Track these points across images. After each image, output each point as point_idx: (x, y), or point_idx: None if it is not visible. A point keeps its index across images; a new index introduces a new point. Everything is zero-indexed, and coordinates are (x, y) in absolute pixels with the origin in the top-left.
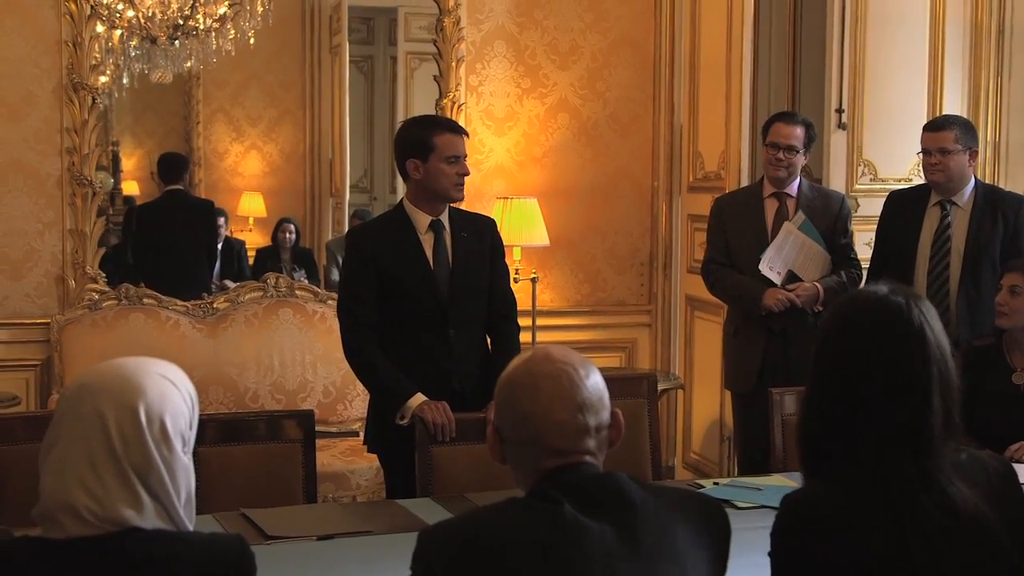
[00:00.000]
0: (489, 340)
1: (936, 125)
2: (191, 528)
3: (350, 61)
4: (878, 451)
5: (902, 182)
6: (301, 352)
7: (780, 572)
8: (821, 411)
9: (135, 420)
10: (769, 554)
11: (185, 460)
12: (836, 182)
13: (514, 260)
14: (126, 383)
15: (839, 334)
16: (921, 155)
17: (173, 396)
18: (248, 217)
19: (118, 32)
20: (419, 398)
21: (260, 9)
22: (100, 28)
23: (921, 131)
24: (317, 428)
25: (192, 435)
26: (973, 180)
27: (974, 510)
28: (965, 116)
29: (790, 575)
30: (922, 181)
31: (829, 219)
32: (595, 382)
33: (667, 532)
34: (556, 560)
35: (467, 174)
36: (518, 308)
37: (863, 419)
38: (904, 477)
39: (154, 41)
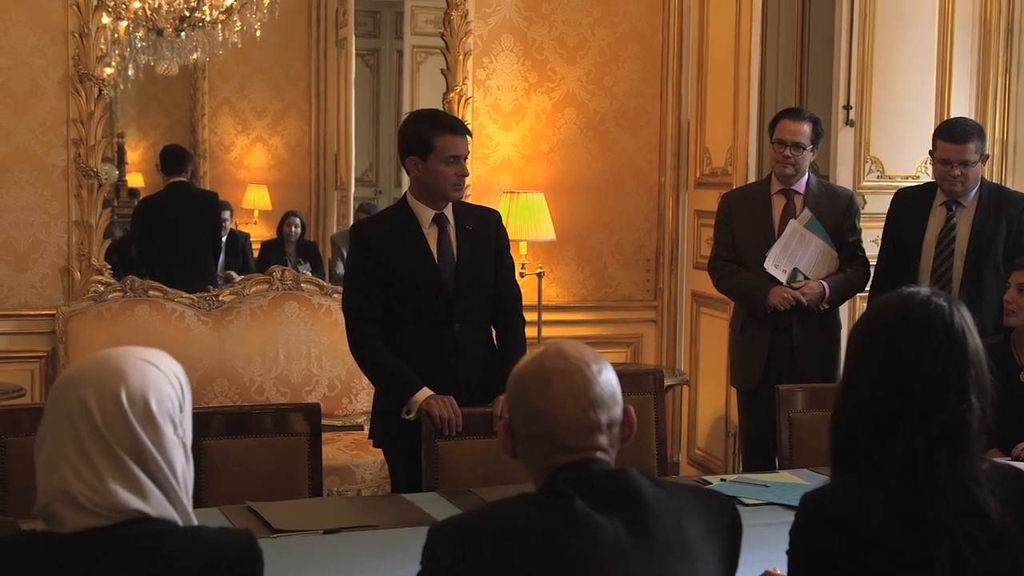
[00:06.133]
0: (494, 334)
1: (957, 136)
2: (190, 507)
3: (356, 54)
4: (913, 452)
5: (909, 179)
6: (306, 345)
7: (798, 569)
8: (857, 408)
9: (117, 403)
10: (787, 552)
11: (177, 441)
12: (843, 179)
13: (520, 255)
14: (107, 370)
15: (880, 332)
16: (938, 163)
17: (157, 379)
18: (253, 210)
19: (124, 23)
20: (425, 392)
21: (266, 2)
22: (106, 19)
23: (938, 138)
24: (322, 422)
25: (184, 418)
26: (980, 179)
27: (1001, 520)
28: (972, 114)
29: (808, 573)
30: (929, 179)
31: (836, 216)
32: (608, 378)
33: (679, 528)
34: (567, 556)
35: (466, 175)
36: (524, 302)
37: (900, 418)
38: (937, 482)
39: (160, 33)
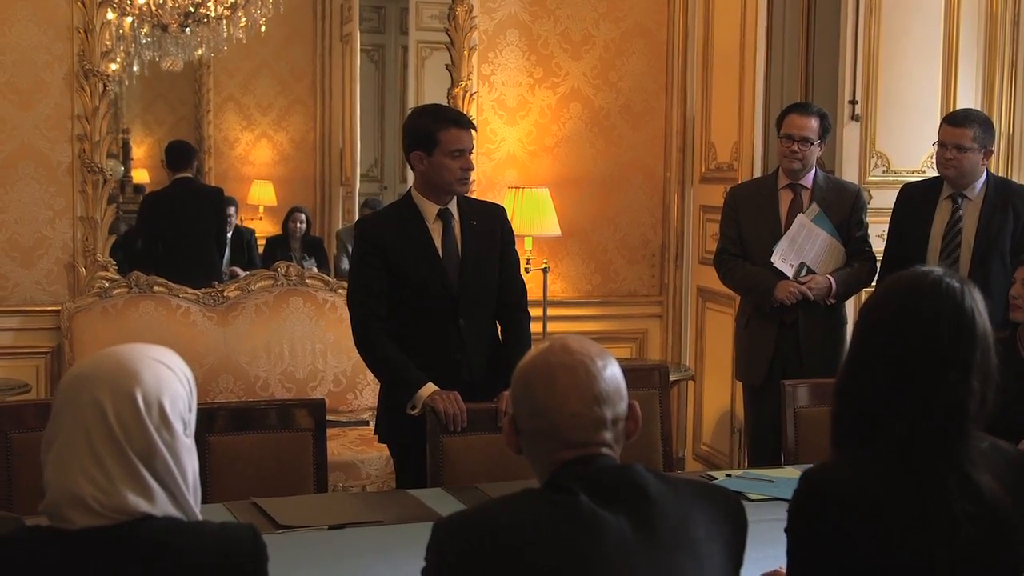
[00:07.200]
0: (500, 329)
1: (957, 120)
2: (198, 512)
3: (361, 50)
4: (910, 428)
5: (915, 174)
6: (311, 341)
7: (797, 548)
8: (861, 383)
9: (133, 406)
10: (786, 530)
11: (188, 443)
12: (849, 174)
13: (525, 250)
14: (121, 370)
15: (889, 310)
16: (936, 146)
17: (170, 380)
18: (258, 205)
19: (129, 19)
20: (430, 388)
21: None
22: (111, 15)
23: (940, 122)
24: (327, 417)
25: (192, 417)
26: (985, 173)
27: (996, 499)
28: (979, 107)
29: (807, 551)
30: (935, 173)
31: (844, 211)
32: (612, 374)
33: (684, 524)
34: (572, 552)
35: (471, 169)
36: (528, 298)
37: (901, 393)
38: (932, 459)
39: (165, 28)
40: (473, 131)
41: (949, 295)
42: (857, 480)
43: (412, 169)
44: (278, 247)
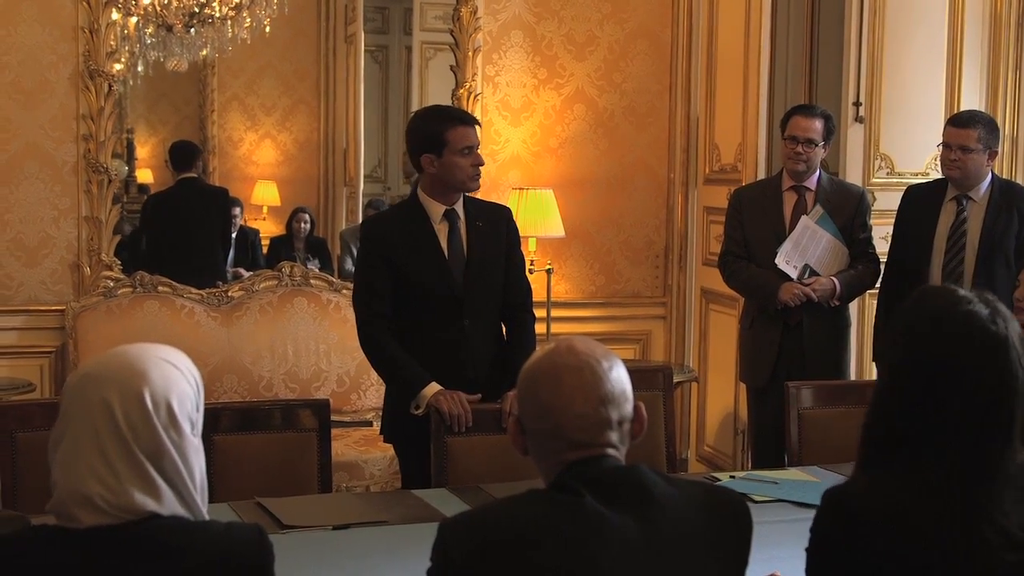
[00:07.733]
0: (504, 330)
1: (962, 121)
2: (205, 511)
3: (365, 50)
4: (943, 462)
5: (919, 176)
6: (315, 341)
7: (816, 568)
8: (899, 411)
9: (142, 406)
10: (807, 549)
11: (195, 442)
12: (853, 176)
13: (529, 251)
14: (129, 370)
15: (937, 346)
16: (941, 147)
17: (177, 379)
18: (262, 206)
19: (134, 19)
20: (434, 387)
21: None
22: (116, 15)
23: (945, 123)
24: (331, 417)
25: (199, 417)
26: (990, 175)
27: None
28: (983, 110)
29: (826, 572)
30: (939, 175)
31: (848, 213)
32: (618, 375)
33: (689, 525)
34: (577, 552)
35: (482, 164)
36: (533, 299)
37: (938, 431)
38: (966, 497)
39: (170, 29)
40: (478, 127)
41: (1001, 344)
42: (883, 501)
43: (420, 172)
44: (282, 247)
